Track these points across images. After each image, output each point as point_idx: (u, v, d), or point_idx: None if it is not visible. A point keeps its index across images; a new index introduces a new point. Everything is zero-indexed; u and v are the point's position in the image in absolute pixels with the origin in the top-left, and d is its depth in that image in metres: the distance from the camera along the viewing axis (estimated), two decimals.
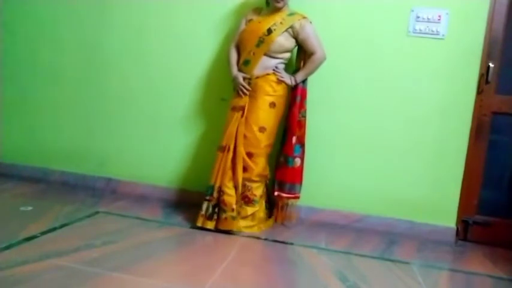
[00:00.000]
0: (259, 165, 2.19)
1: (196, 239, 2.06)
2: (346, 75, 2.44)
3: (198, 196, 2.31)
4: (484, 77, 2.35)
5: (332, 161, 2.49)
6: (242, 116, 2.18)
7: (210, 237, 2.11)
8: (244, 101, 2.20)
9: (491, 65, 2.34)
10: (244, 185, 2.16)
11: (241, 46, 2.26)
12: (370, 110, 2.44)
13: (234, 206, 2.11)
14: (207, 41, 2.56)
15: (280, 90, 2.21)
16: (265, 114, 2.18)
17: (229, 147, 2.15)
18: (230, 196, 2.11)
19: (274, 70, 2.20)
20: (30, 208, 2.26)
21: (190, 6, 2.57)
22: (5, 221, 2.07)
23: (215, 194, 2.13)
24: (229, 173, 2.13)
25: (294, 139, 2.27)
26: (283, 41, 2.18)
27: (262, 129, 2.17)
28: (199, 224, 2.14)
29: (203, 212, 2.15)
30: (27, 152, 2.92)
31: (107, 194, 2.68)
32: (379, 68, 2.41)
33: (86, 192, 2.66)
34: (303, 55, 2.29)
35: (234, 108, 2.22)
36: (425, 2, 2.34)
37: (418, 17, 2.35)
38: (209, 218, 2.14)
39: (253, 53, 2.19)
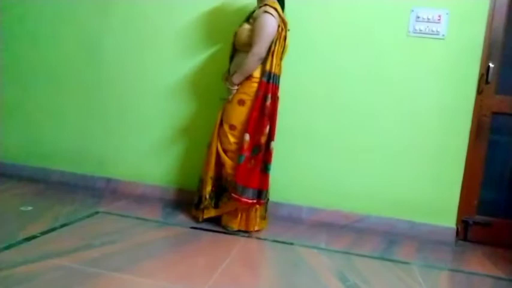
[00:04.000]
0: (236, 161, 2.15)
1: (196, 239, 2.06)
2: (346, 76, 2.44)
3: None
4: (484, 77, 2.35)
5: (332, 161, 2.49)
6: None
7: (210, 237, 2.11)
8: (226, 99, 2.25)
9: (491, 65, 2.34)
10: (227, 181, 2.18)
11: None
12: (370, 110, 2.44)
13: (204, 199, 2.21)
14: (207, 41, 2.56)
15: (249, 87, 2.11)
16: (233, 112, 2.16)
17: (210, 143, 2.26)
18: (204, 189, 2.22)
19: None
20: (30, 208, 2.26)
21: (190, 7, 2.56)
22: (5, 221, 2.07)
23: (200, 187, 2.28)
24: (205, 168, 2.25)
25: (246, 136, 2.08)
26: (246, 31, 2.10)
27: (232, 127, 2.16)
28: (193, 213, 2.33)
29: (194, 202, 2.32)
30: (27, 152, 2.92)
31: (106, 194, 2.68)
32: (379, 68, 2.41)
33: (85, 192, 2.66)
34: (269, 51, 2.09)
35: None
36: (425, 2, 2.34)
37: (418, 17, 2.35)
38: (196, 207, 2.30)
39: (232, 49, 2.24)
